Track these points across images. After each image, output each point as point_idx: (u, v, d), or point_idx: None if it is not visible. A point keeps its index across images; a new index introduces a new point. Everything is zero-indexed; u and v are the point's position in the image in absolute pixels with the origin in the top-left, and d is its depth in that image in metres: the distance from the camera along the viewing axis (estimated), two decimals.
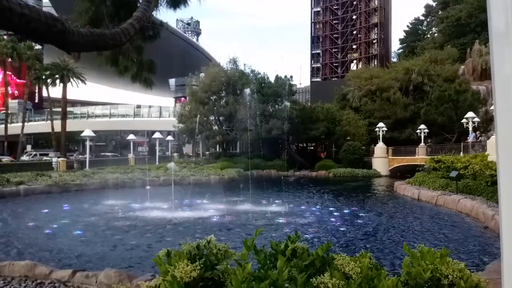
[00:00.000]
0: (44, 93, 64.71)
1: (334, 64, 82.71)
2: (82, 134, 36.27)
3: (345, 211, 15.21)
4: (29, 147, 64.84)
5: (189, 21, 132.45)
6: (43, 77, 52.20)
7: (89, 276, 5.71)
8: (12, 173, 25.30)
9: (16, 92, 73.82)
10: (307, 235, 10.35)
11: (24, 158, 49.69)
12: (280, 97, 42.78)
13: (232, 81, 42.06)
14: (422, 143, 38.40)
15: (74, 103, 78.47)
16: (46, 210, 15.10)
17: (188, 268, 3.05)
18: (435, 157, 24.08)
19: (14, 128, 58.35)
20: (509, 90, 1.08)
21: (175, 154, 47.07)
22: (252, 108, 39.85)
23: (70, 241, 9.96)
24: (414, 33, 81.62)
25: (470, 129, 33.83)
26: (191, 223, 12.60)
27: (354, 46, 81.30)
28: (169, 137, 51.74)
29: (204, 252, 3.40)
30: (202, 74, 43.67)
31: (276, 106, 42.84)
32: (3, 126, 55.41)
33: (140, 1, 7.11)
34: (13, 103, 68.60)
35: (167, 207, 15.56)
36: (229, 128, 43.70)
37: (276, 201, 17.55)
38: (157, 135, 43.98)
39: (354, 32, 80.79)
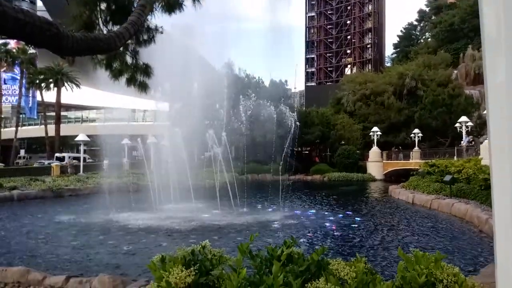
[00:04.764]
0: (38, 97, 64.24)
1: (329, 69, 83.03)
2: (76, 139, 36.02)
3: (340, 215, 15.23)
4: (22, 152, 64.27)
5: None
6: (37, 81, 51.94)
7: (83, 282, 5.66)
8: (5, 177, 25.11)
9: None
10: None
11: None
12: (275, 101, 42.82)
13: (227, 86, 42.02)
14: (416, 147, 38.55)
15: (69, 107, 77.93)
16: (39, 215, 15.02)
17: (183, 274, 3.04)
18: (429, 161, 24.19)
19: (7, 132, 57.84)
20: (501, 97, 1.10)
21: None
22: (247, 112, 39.86)
23: (67, 248, 9.87)
24: (408, 38, 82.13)
25: (464, 133, 34.05)
26: None
27: (348, 51, 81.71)
28: (164, 142, 51.48)
29: (199, 257, 3.38)
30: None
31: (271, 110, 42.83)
32: None
33: (135, 6, 7.11)
34: (6, 108, 67.95)
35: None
36: (224, 133, 43.57)
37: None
38: (152, 139, 43.72)
39: (348, 37, 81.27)
